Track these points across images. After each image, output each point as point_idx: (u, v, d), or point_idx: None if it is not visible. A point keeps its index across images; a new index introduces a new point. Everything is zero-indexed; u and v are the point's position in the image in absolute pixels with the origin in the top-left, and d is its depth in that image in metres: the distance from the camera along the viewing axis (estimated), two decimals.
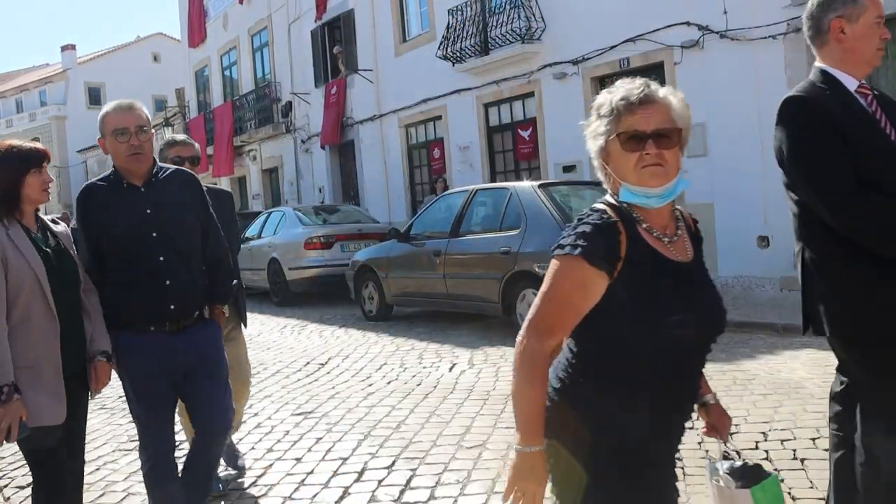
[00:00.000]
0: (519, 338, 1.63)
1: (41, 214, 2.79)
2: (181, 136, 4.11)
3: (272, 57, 20.03)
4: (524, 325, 1.64)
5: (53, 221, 2.81)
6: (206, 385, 2.88)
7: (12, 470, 4.37)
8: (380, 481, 3.75)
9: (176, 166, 3.09)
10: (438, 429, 4.55)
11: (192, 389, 2.88)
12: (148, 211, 2.77)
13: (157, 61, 41.71)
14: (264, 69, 20.83)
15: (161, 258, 2.76)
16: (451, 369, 6.19)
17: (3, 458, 4.63)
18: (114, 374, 2.80)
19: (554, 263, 1.64)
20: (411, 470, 3.89)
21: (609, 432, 1.61)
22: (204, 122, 23.27)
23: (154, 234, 2.76)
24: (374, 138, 16.35)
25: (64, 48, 41.80)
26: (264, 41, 20.49)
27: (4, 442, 2.41)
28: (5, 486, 4.12)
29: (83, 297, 2.73)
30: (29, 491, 3.95)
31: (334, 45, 17.27)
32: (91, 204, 2.82)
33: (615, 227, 1.61)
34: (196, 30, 23.89)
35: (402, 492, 3.61)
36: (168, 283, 2.77)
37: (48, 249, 2.64)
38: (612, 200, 1.68)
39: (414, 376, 6.04)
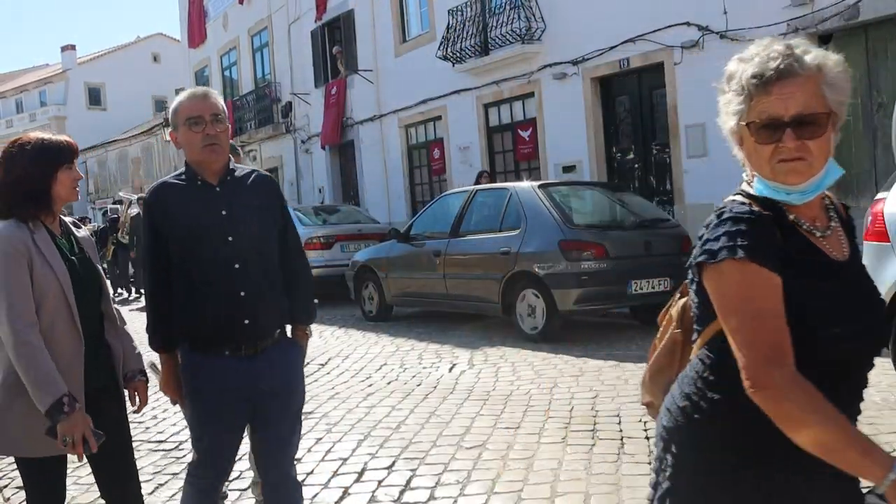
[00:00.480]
0: (752, 387, 1.22)
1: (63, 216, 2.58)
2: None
3: (272, 57, 20.03)
4: (746, 373, 1.23)
5: (75, 224, 2.56)
6: (278, 421, 2.55)
7: (12, 470, 4.37)
8: (380, 482, 3.75)
9: (251, 167, 2.75)
10: (438, 429, 4.55)
11: (262, 424, 2.56)
12: (223, 212, 2.45)
13: (157, 62, 41.71)
14: (264, 69, 20.83)
15: (236, 265, 2.42)
16: (450, 370, 6.19)
17: (3, 458, 4.63)
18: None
19: (715, 277, 1.30)
20: (411, 470, 3.89)
21: (745, 466, 1.32)
22: None
23: (230, 238, 2.43)
24: (374, 138, 16.36)
25: (64, 48, 41.80)
26: (264, 41, 20.49)
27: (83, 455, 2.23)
28: (5, 486, 4.12)
29: (107, 309, 2.51)
30: None
31: (334, 45, 17.27)
32: (160, 203, 2.50)
33: (768, 220, 1.31)
34: (196, 30, 23.89)
35: (401, 492, 3.61)
36: (243, 294, 2.42)
37: (73, 257, 2.41)
38: (749, 190, 1.40)
39: (414, 377, 6.04)
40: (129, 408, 2.55)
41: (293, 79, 18.83)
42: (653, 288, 7.09)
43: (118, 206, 16.92)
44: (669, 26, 10.03)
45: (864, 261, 4.61)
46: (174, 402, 2.63)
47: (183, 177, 2.53)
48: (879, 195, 4.61)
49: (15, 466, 4.37)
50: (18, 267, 2.21)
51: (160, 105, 37.07)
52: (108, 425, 2.35)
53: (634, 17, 10.41)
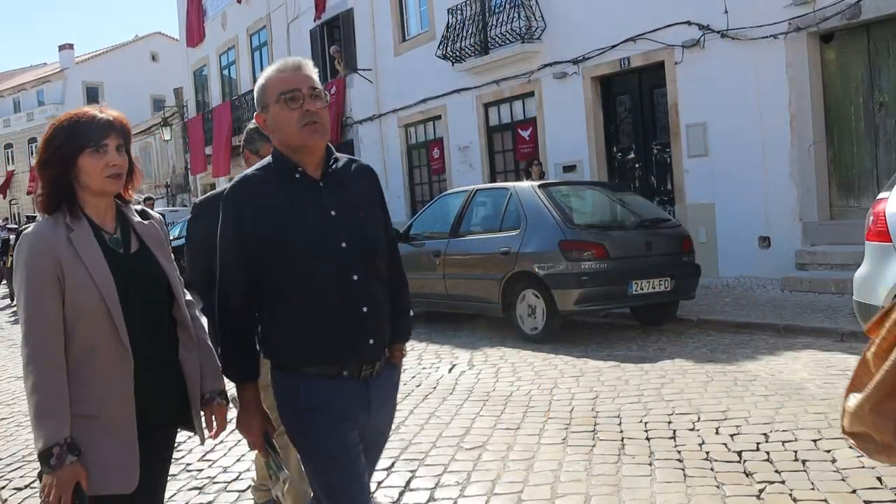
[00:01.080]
0: None
1: (133, 204, 2.13)
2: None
3: (271, 56, 19.99)
4: None
5: (143, 212, 2.12)
6: (373, 461, 2.20)
7: (10, 472, 4.35)
8: (379, 483, 3.73)
9: (347, 155, 2.28)
10: (438, 430, 4.53)
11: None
12: (332, 212, 2.02)
13: (156, 61, 41.69)
14: (263, 69, 20.78)
15: (355, 277, 2.01)
16: (450, 370, 6.17)
17: (1, 458, 4.60)
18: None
19: None
20: (411, 471, 3.86)
21: None
22: (202, 122, 23.24)
23: (343, 245, 2.00)
24: (374, 138, 16.33)
25: (62, 47, 41.78)
26: (263, 40, 20.47)
27: None
28: (3, 487, 4.10)
29: (180, 317, 2.08)
30: (27, 492, 3.94)
31: (333, 44, 17.25)
32: (249, 203, 2.00)
33: None
34: (194, 29, 23.87)
35: (401, 493, 3.59)
36: (365, 309, 2.01)
37: (123, 255, 1.99)
38: None
39: (413, 377, 6.02)
40: (206, 433, 2.15)
41: None
42: (653, 288, 7.06)
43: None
44: (670, 25, 10.01)
45: (866, 261, 4.63)
46: (254, 447, 2.16)
47: (273, 168, 2.05)
48: (881, 195, 4.59)
49: (14, 468, 4.37)
50: (41, 281, 1.85)
51: (158, 104, 37.06)
52: (152, 463, 2.00)
53: (635, 16, 10.39)
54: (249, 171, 2.07)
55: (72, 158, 1.91)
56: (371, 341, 2.02)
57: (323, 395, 1.98)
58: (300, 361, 2.00)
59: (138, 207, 2.13)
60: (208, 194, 3.00)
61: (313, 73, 2.06)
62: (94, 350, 1.88)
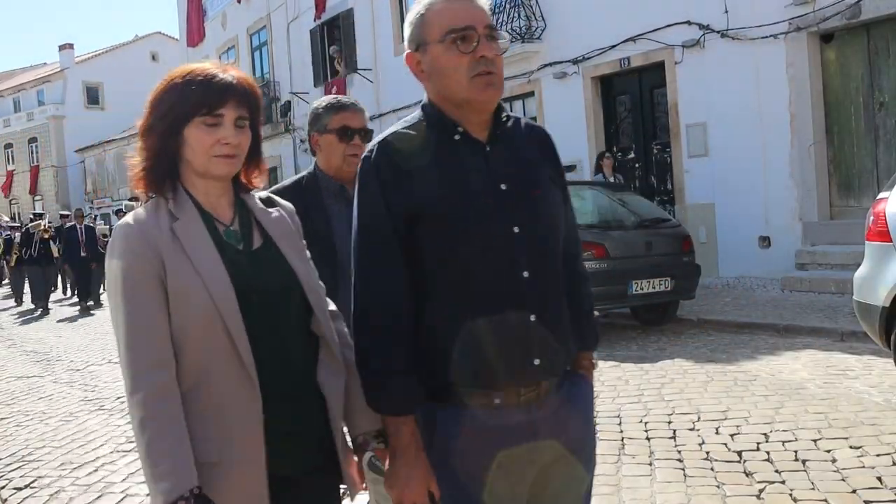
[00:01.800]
0: None
1: (260, 189, 1.67)
2: (347, 98, 2.54)
3: (271, 56, 20.01)
4: None
5: (269, 200, 1.64)
6: (563, 494, 1.63)
7: (10, 472, 4.35)
8: None
9: (517, 115, 1.74)
10: None
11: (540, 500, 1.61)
12: (503, 186, 1.53)
13: (156, 60, 41.64)
14: (263, 68, 20.81)
15: (525, 273, 1.50)
16: None
17: (1, 459, 4.60)
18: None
19: None
20: None
21: None
22: None
23: (515, 230, 1.50)
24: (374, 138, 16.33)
25: (62, 47, 41.74)
26: (263, 40, 20.47)
27: None
28: (3, 487, 4.10)
29: (322, 331, 1.56)
30: (27, 492, 3.94)
31: (333, 44, 17.25)
32: (395, 168, 1.52)
33: None
34: (194, 29, 23.86)
35: None
36: (533, 318, 1.51)
37: (244, 253, 1.52)
38: None
39: None
40: (354, 485, 1.60)
41: (292, 78, 18.81)
42: (654, 288, 7.06)
43: (134, 203, 16.73)
44: (670, 25, 10.01)
45: (866, 261, 4.62)
46: None
47: (425, 126, 1.56)
48: (881, 195, 4.59)
49: (14, 468, 4.37)
50: (141, 286, 1.41)
51: None
52: None
53: (635, 16, 10.39)
54: (393, 130, 1.58)
55: (178, 128, 1.47)
56: (537, 361, 1.50)
57: (467, 434, 1.48)
58: (437, 384, 1.49)
59: (262, 194, 1.66)
60: (277, 186, 2.43)
61: (487, 7, 1.57)
62: (208, 378, 1.42)
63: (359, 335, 1.52)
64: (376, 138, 1.59)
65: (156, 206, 1.49)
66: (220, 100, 1.47)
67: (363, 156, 1.56)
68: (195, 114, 1.47)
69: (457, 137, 1.55)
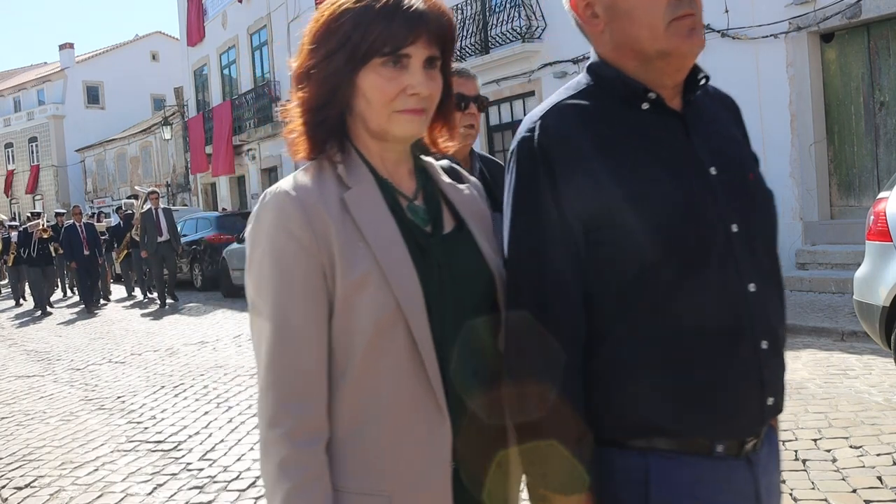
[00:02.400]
0: None
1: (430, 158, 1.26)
2: (456, 65, 2.02)
3: (271, 56, 20.00)
4: None
5: (453, 171, 1.27)
6: None
7: (10, 471, 4.35)
8: None
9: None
10: None
11: None
12: (713, 171, 1.16)
13: (156, 60, 41.66)
14: (263, 68, 20.80)
15: (752, 287, 1.15)
16: None
17: (1, 458, 4.61)
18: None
19: None
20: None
21: None
22: (203, 122, 23.24)
23: (734, 229, 1.15)
24: None
25: (62, 47, 41.74)
26: (263, 40, 20.47)
27: None
28: (3, 486, 4.10)
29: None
30: (27, 491, 3.94)
31: None
32: (570, 153, 1.13)
33: None
34: (195, 28, 23.87)
35: None
36: (765, 345, 1.16)
37: (433, 238, 1.15)
38: None
39: None
40: None
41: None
42: None
43: (133, 200, 16.64)
44: None
45: (866, 260, 4.62)
46: None
47: (599, 92, 1.18)
48: (881, 194, 4.59)
49: (14, 467, 4.38)
50: (297, 277, 1.07)
51: (159, 104, 37.06)
52: None
53: None
54: (554, 101, 1.19)
55: (349, 72, 1.10)
56: (770, 401, 1.17)
57: (690, 491, 1.12)
58: (647, 427, 1.12)
59: (444, 163, 1.27)
60: None
61: None
62: (378, 404, 1.08)
63: (519, 370, 1.12)
64: (535, 113, 1.18)
65: (318, 168, 1.13)
66: (407, 35, 1.09)
67: (521, 136, 1.17)
68: (374, 54, 1.09)
69: (645, 107, 1.16)
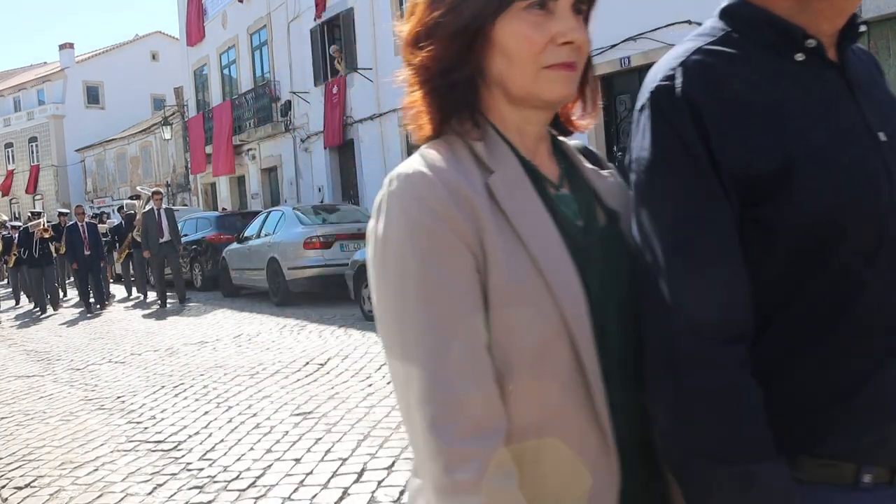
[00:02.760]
0: None
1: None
2: None
3: (271, 56, 20.01)
4: None
5: (589, 152, 1.08)
6: None
7: (10, 470, 4.35)
8: (379, 482, 3.73)
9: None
10: None
11: None
12: (882, 137, 0.93)
13: (156, 60, 41.69)
14: (263, 68, 20.81)
15: None
16: None
17: (1, 458, 4.61)
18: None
19: None
20: (411, 471, 3.86)
21: None
22: (203, 121, 23.25)
23: None
24: (374, 137, 16.34)
25: (62, 47, 41.76)
26: (263, 40, 20.47)
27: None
28: (3, 486, 4.10)
29: None
30: (27, 491, 3.95)
31: (333, 43, 17.26)
32: (720, 114, 0.89)
33: None
34: (195, 28, 23.87)
35: (401, 493, 3.58)
36: None
37: (585, 232, 0.95)
38: None
39: None
40: None
41: (292, 77, 18.81)
42: None
43: (135, 201, 16.60)
44: (671, 24, 10.02)
45: None
46: None
47: (744, 40, 0.97)
48: None
49: (14, 467, 4.38)
50: (449, 269, 0.86)
51: (159, 104, 37.06)
52: None
53: (635, 15, 10.40)
54: (691, 46, 0.99)
55: (482, 23, 0.90)
56: None
57: None
58: (859, 451, 0.91)
59: (577, 143, 1.08)
60: None
61: None
62: (539, 430, 0.88)
63: (675, 374, 0.87)
64: (667, 60, 0.99)
65: (450, 146, 0.92)
66: None
67: (655, 85, 0.97)
68: None
69: (800, 58, 0.93)
